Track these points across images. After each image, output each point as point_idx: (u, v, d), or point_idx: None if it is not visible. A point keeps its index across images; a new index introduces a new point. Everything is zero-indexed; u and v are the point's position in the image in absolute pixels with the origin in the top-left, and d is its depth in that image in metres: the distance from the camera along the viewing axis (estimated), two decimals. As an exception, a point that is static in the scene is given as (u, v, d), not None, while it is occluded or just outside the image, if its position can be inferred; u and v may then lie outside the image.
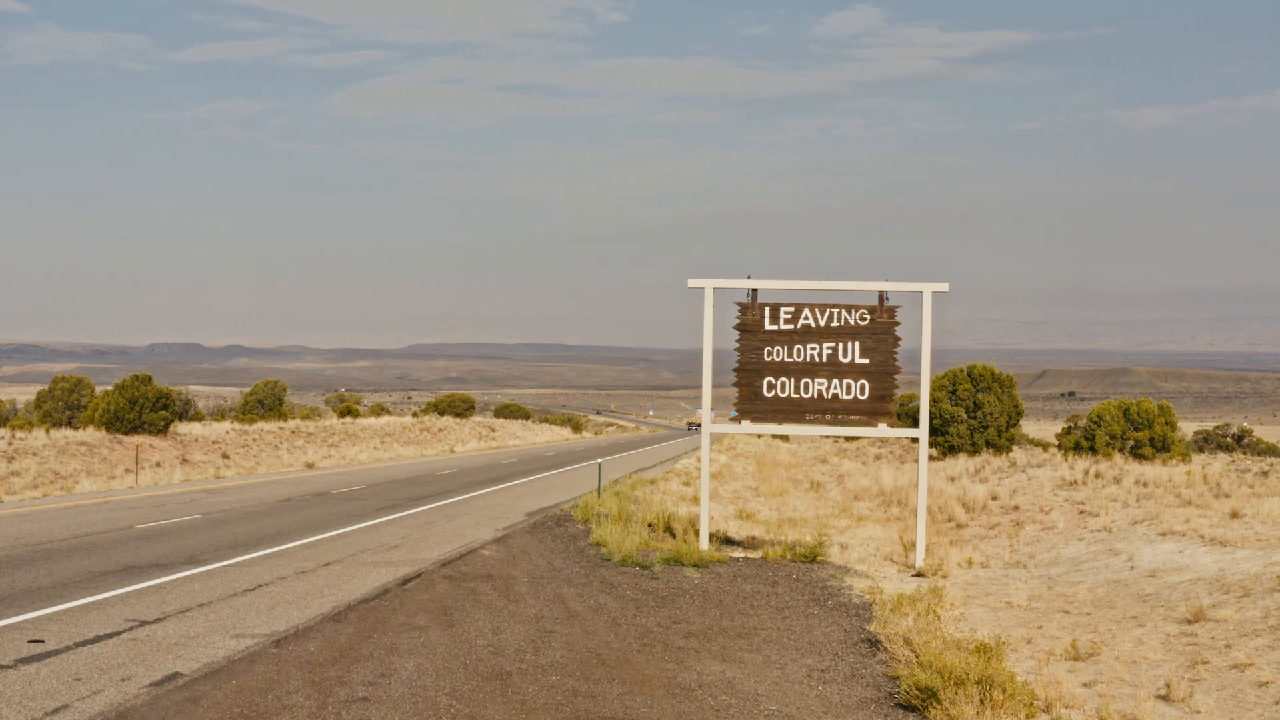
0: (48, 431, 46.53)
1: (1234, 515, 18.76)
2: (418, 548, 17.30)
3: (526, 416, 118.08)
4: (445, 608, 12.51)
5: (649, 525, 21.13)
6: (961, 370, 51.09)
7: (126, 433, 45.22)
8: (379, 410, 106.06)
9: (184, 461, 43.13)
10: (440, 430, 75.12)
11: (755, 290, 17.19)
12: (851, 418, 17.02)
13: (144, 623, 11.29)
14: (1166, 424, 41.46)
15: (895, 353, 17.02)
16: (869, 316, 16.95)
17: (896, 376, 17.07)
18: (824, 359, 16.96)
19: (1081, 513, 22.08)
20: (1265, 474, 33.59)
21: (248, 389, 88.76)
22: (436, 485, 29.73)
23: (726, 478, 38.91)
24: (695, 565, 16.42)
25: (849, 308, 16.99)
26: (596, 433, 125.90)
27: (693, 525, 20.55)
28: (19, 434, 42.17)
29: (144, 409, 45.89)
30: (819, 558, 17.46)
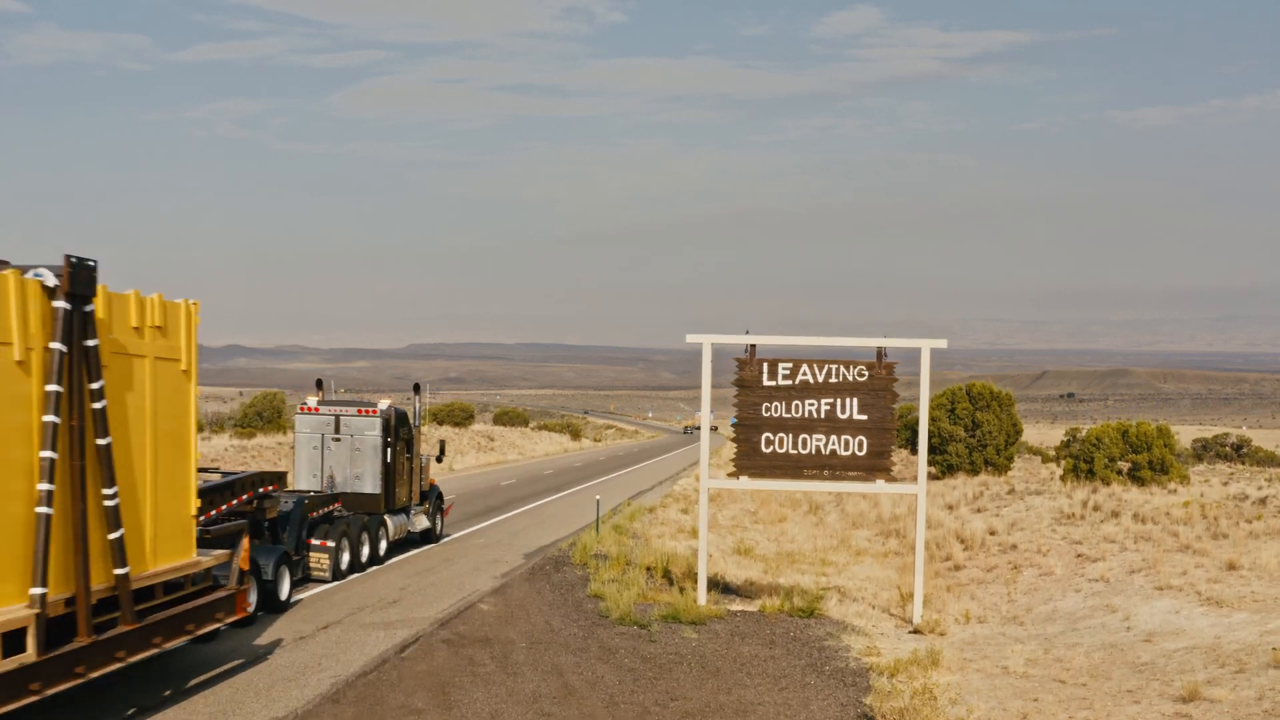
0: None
1: (1231, 567, 18.79)
2: (416, 603, 17.32)
3: (525, 423, 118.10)
4: (443, 683, 12.53)
5: (647, 569, 21.16)
6: (960, 388, 51.12)
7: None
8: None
9: (183, 482, 43.18)
10: (439, 440, 75.04)
11: (753, 346, 17.22)
12: (849, 474, 17.04)
13: (143, 709, 11.32)
14: (1165, 445, 41.49)
15: (893, 409, 17.05)
16: (867, 373, 16.97)
17: (895, 433, 17.11)
18: (822, 415, 16.99)
19: (1079, 556, 22.12)
20: (1263, 501, 33.60)
21: (248, 401, 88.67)
22: (435, 516, 29.71)
23: (725, 500, 38.92)
24: (693, 623, 16.45)
25: (847, 364, 17.02)
26: (596, 439, 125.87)
27: (691, 570, 20.60)
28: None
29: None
30: (816, 612, 17.48)
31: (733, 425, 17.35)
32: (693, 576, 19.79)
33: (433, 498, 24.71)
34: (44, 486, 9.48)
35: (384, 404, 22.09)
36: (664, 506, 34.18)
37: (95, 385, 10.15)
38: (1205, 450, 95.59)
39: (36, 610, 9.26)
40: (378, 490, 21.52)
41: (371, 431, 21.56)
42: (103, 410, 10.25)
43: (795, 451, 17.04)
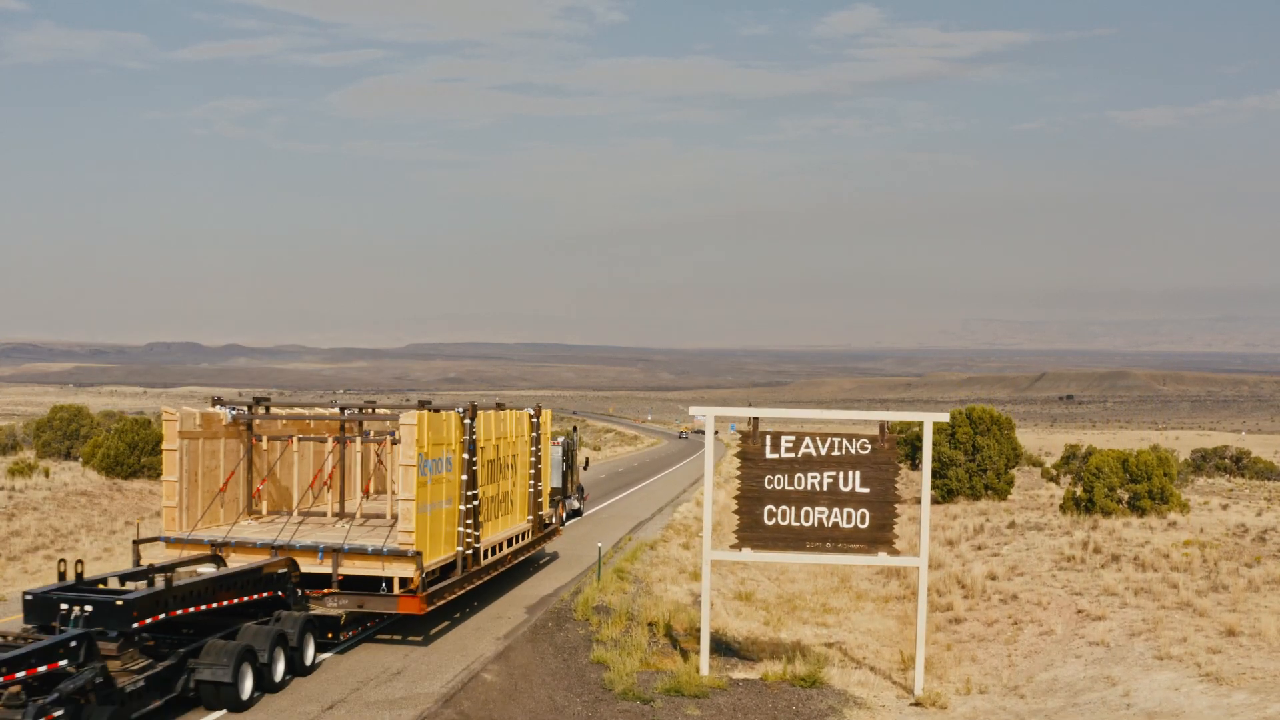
0: (47, 474, 46.61)
1: (1230, 633, 18.86)
2: (419, 673, 17.37)
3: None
4: (449, 780, 12.59)
5: (649, 625, 21.27)
6: (960, 413, 51.18)
7: (126, 477, 45.28)
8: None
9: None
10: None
11: (756, 419, 17.29)
12: (852, 546, 17.13)
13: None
14: (1165, 475, 41.56)
15: (896, 482, 17.13)
16: (870, 446, 17.05)
17: (898, 505, 17.18)
18: (825, 488, 17.07)
19: (1079, 612, 22.18)
20: (1263, 536, 33.71)
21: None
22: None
23: (726, 528, 38.96)
24: (696, 696, 16.54)
25: (850, 437, 17.10)
26: (595, 446, 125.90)
27: (694, 626, 20.75)
28: (19, 483, 42.23)
29: (143, 453, 45.95)
30: (818, 681, 17.56)
31: (735, 498, 17.39)
32: (695, 634, 19.89)
33: (579, 490, 40.61)
34: (531, 483, 25.89)
35: (561, 438, 37.73)
36: (664, 541, 34.18)
37: (539, 447, 26.36)
38: (1204, 461, 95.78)
39: (529, 525, 25.57)
40: (561, 485, 35.81)
41: (557, 452, 35.91)
42: (539, 457, 26.36)
43: (798, 524, 17.13)
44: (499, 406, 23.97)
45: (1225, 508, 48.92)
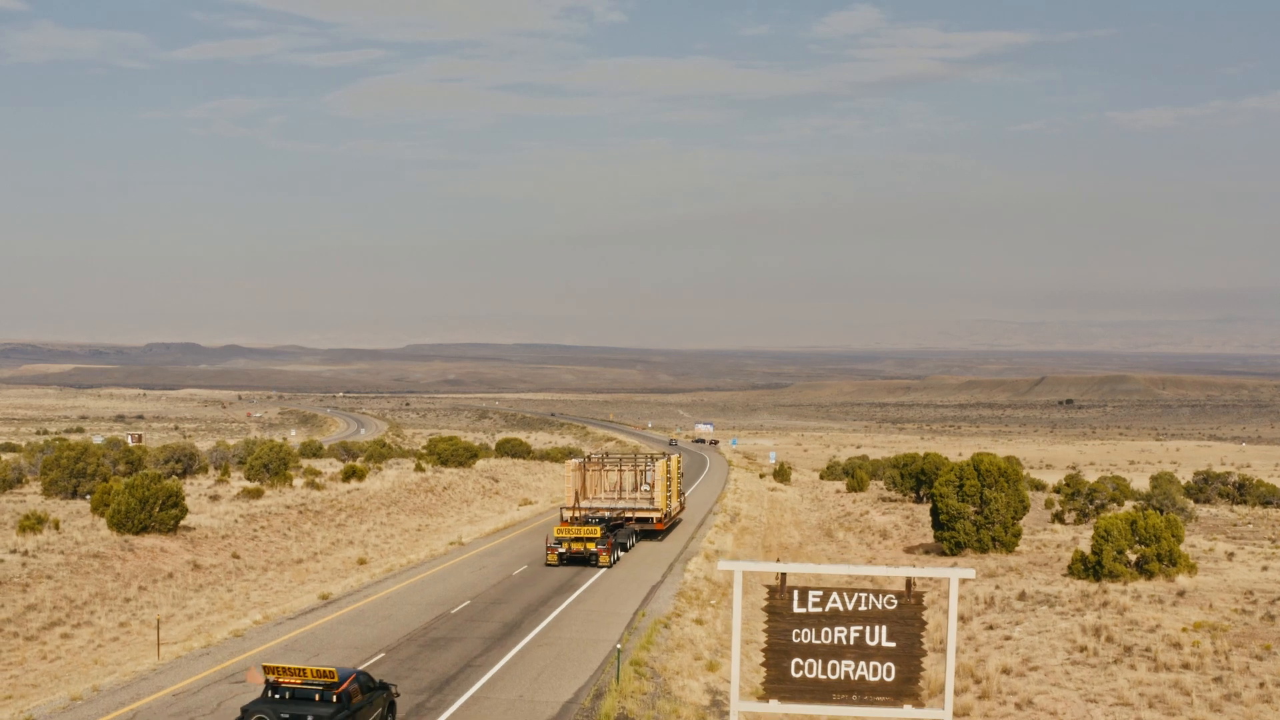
0: (58, 527, 46.72)
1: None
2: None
3: (528, 453, 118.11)
4: None
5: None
6: (968, 464, 51.26)
7: (136, 532, 45.35)
8: (379, 450, 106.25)
9: (195, 568, 43.22)
10: (445, 489, 75.35)
11: (784, 574, 17.44)
12: (878, 699, 17.29)
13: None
14: (1174, 537, 41.67)
15: (922, 636, 17.27)
16: (896, 601, 17.20)
17: (924, 660, 17.33)
18: (851, 641, 17.23)
19: (1097, 730, 22.34)
20: (1271, 612, 33.90)
21: (253, 441, 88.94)
22: (452, 652, 29.80)
23: (729, 589, 39.04)
24: None
25: (877, 592, 17.25)
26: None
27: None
28: (30, 543, 42.27)
29: (154, 508, 46.03)
30: (844, 828, 17.72)
31: (763, 650, 17.53)
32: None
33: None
34: (676, 485, 61.31)
35: (672, 457, 61.49)
36: (678, 615, 34.27)
37: (681, 471, 66.29)
38: (1207, 485, 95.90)
39: (680, 504, 64.16)
40: (681, 487, 65.01)
41: (672, 467, 59.23)
42: (680, 475, 64.49)
43: (824, 676, 17.28)
44: (666, 456, 60.37)
45: (1231, 556, 49.10)
